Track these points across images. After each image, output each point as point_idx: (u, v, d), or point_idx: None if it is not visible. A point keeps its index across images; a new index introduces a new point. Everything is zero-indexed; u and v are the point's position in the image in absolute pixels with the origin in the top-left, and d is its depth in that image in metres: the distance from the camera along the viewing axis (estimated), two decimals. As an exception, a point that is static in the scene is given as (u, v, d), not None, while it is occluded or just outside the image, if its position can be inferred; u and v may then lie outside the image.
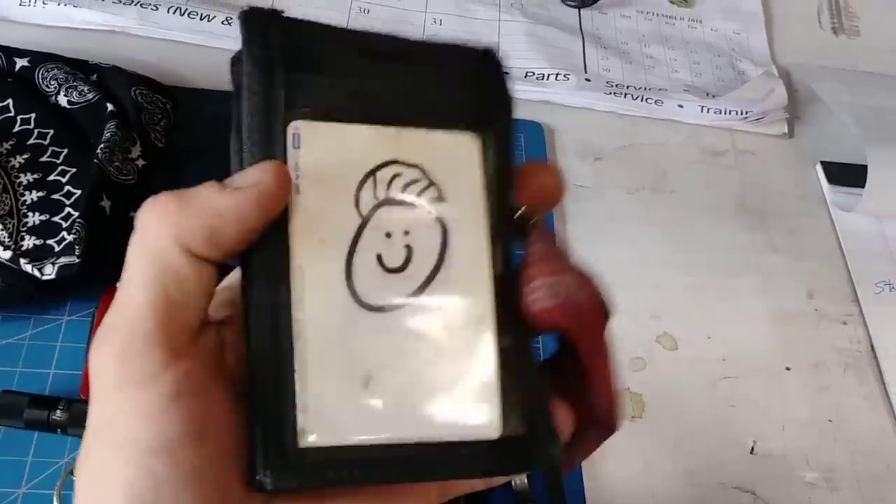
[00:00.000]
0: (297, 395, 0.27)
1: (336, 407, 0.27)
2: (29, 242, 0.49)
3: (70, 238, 0.48)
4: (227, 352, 0.27)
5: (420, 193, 0.29)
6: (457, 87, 0.31)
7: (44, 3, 0.63)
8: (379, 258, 0.28)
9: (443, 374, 0.28)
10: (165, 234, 0.25)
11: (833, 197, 0.67)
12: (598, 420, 0.32)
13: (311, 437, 0.27)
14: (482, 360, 0.29)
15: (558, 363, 0.32)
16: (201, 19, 0.65)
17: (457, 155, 0.30)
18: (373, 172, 0.29)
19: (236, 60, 0.29)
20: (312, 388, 0.27)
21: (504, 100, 0.31)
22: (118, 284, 0.26)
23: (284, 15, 0.29)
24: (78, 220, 0.48)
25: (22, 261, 0.48)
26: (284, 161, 0.28)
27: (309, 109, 0.29)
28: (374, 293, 0.28)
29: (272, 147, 0.28)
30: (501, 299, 0.29)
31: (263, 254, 0.28)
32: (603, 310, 0.31)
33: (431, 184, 0.29)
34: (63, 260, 0.48)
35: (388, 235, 0.29)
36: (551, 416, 0.29)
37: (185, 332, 0.25)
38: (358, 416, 0.27)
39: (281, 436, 0.26)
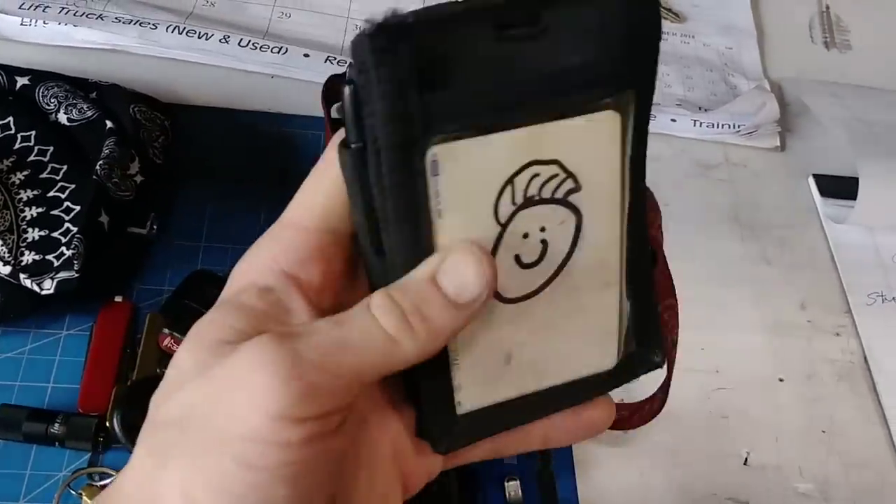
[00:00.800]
0: (452, 379, 0.30)
1: (483, 382, 0.31)
2: (28, 258, 0.50)
3: (69, 253, 0.49)
4: None
5: (556, 189, 0.29)
6: (595, 50, 0.28)
7: (44, 22, 0.64)
8: (517, 258, 0.30)
9: (573, 336, 0.32)
10: (409, 360, 0.27)
11: (825, 209, 0.68)
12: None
13: (464, 406, 0.31)
14: (607, 314, 0.32)
15: None
16: (199, 38, 0.66)
17: (596, 137, 0.29)
18: (510, 180, 0.28)
19: (349, 81, 0.26)
20: (464, 373, 0.30)
21: (649, 55, 0.29)
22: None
23: (411, 21, 0.25)
24: (77, 235, 0.49)
25: (21, 276, 0.48)
26: (425, 194, 0.27)
27: (443, 132, 0.27)
28: (512, 288, 0.30)
29: (411, 185, 0.27)
30: (629, 260, 0.31)
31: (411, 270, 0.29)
32: None
33: (568, 175, 0.29)
34: (62, 275, 0.48)
35: (526, 236, 0.29)
36: (658, 329, 0.33)
37: (349, 402, 0.26)
38: (501, 384, 0.31)
39: (444, 412, 0.31)
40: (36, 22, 0.64)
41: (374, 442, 0.30)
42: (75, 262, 0.48)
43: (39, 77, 0.57)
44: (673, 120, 0.69)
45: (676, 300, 0.44)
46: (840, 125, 0.69)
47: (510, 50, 0.27)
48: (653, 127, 0.68)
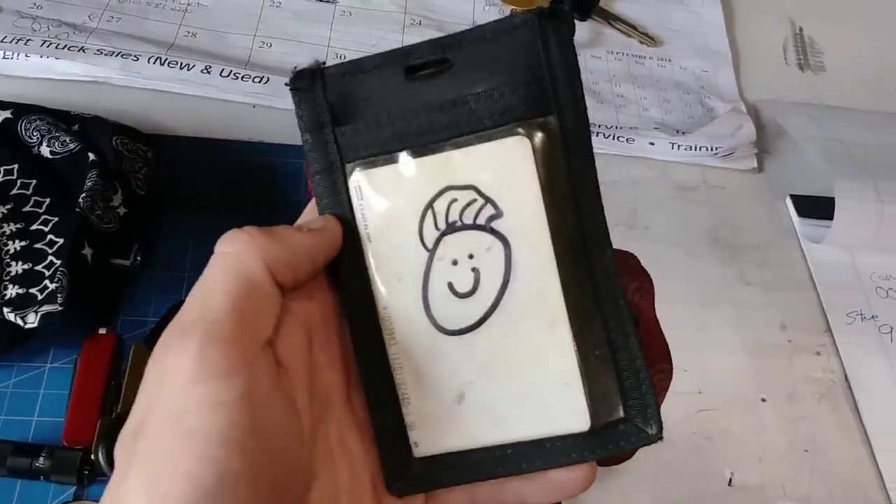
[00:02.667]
0: (405, 416, 0.31)
1: (437, 422, 0.31)
2: (12, 291, 0.50)
3: (53, 286, 0.49)
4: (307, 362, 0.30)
5: (476, 215, 0.30)
6: (504, 80, 0.30)
7: (26, 55, 0.64)
8: (450, 286, 0.31)
9: (527, 379, 0.30)
10: (254, 256, 0.28)
11: (803, 229, 0.68)
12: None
13: (422, 448, 0.31)
14: (561, 359, 0.30)
15: None
16: (181, 68, 0.66)
17: (508, 162, 0.30)
18: (430, 205, 0.30)
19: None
20: (415, 409, 0.31)
21: (567, 82, 0.29)
22: (192, 292, 0.28)
23: (326, 67, 0.31)
24: (60, 268, 0.49)
25: (5, 310, 0.49)
26: (353, 215, 0.31)
27: (362, 159, 0.31)
28: (451, 319, 0.31)
29: (341, 205, 0.31)
30: (575, 296, 0.30)
31: (354, 302, 0.31)
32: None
33: (487, 201, 0.30)
34: (46, 308, 0.49)
35: (455, 263, 0.31)
36: (649, 394, 0.30)
37: (257, 342, 0.27)
38: (456, 427, 0.31)
39: (400, 452, 0.31)
40: (18, 55, 0.64)
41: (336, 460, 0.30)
42: (59, 295, 0.48)
43: (21, 110, 0.57)
44: (651, 143, 0.70)
45: (671, 365, 0.43)
46: (816, 146, 0.70)
47: (419, 87, 0.30)
48: (632, 150, 0.70)
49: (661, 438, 0.30)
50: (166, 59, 0.66)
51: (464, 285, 0.30)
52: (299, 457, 0.28)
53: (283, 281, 0.29)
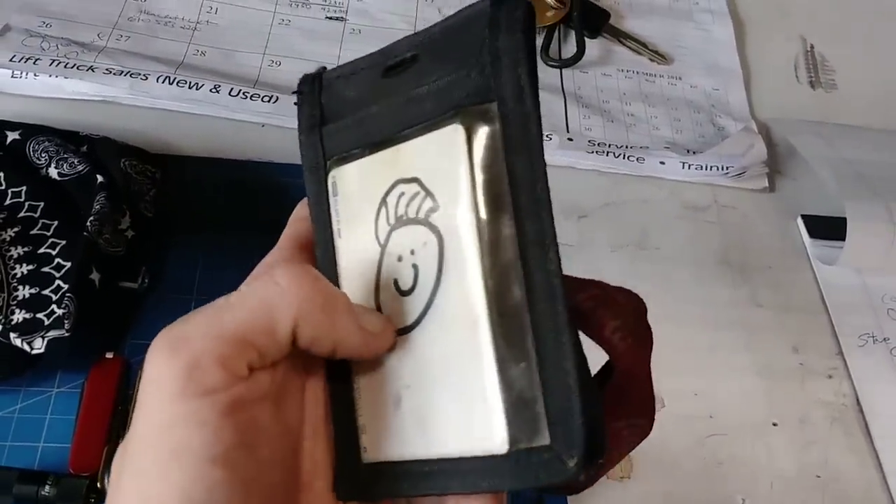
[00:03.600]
0: (357, 418, 0.30)
1: (380, 427, 0.30)
2: (19, 316, 0.50)
3: (60, 312, 0.49)
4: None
5: (418, 208, 0.29)
6: (452, 69, 0.29)
7: (35, 75, 0.64)
8: (395, 283, 0.30)
9: (451, 389, 0.28)
10: (292, 307, 0.27)
11: (814, 250, 0.68)
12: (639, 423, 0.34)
13: (369, 453, 0.30)
14: (481, 370, 0.27)
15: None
16: (189, 87, 0.66)
17: (444, 152, 0.28)
18: (384, 199, 0.30)
19: None
20: (364, 412, 0.30)
21: (512, 69, 0.27)
22: (218, 301, 0.28)
23: (326, 70, 0.33)
24: (67, 294, 0.49)
25: (12, 335, 0.48)
26: (328, 212, 0.32)
27: (338, 156, 0.32)
28: (396, 317, 0.30)
29: (321, 202, 0.32)
30: (499, 300, 0.27)
31: None
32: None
33: (427, 193, 0.29)
34: (52, 333, 0.48)
35: (400, 259, 0.30)
36: (577, 421, 0.25)
37: (248, 367, 0.27)
38: (395, 434, 0.30)
39: (351, 454, 0.30)
40: (27, 74, 0.64)
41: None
42: (66, 321, 0.48)
43: (30, 131, 0.57)
44: (662, 163, 0.70)
45: (650, 422, 0.38)
46: (827, 166, 0.70)
47: (391, 84, 0.31)
48: (642, 170, 0.69)
49: (580, 477, 0.25)
50: (175, 79, 0.66)
51: (406, 282, 0.30)
52: (289, 466, 0.29)
53: (303, 343, 0.28)
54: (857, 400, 0.61)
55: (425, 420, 0.29)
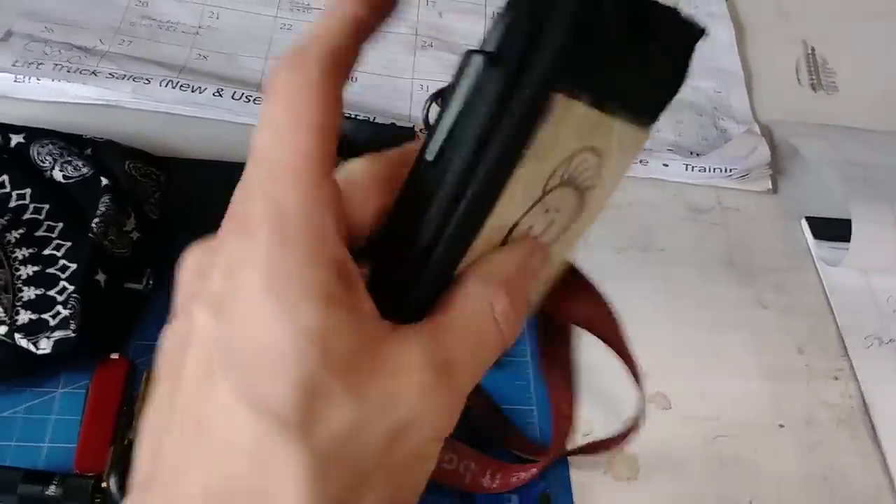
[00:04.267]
0: None
1: None
2: (24, 317, 0.49)
3: (65, 312, 0.49)
4: None
5: (586, 180, 0.30)
6: (663, 75, 0.30)
7: (38, 79, 0.64)
8: (529, 230, 0.30)
9: None
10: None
11: (819, 252, 0.68)
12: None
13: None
14: None
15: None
16: (193, 91, 0.66)
17: (628, 147, 0.30)
18: (571, 156, 0.29)
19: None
20: None
21: (674, 88, 0.31)
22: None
23: None
24: (73, 294, 0.49)
25: (17, 335, 0.48)
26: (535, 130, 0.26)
27: (571, 85, 0.26)
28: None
29: (532, 123, 0.26)
30: None
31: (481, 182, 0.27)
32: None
33: (599, 170, 0.30)
34: (58, 334, 0.48)
35: (547, 212, 0.30)
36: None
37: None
38: None
39: None
40: (29, 79, 0.64)
41: None
42: (72, 322, 0.48)
43: (34, 134, 0.57)
44: (665, 165, 0.70)
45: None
46: (830, 168, 0.70)
47: (634, 42, 0.27)
48: (646, 172, 0.69)
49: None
50: (178, 82, 0.66)
51: (537, 230, 0.30)
52: None
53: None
54: (864, 401, 0.60)
55: None
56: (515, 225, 0.29)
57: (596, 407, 0.55)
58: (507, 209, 0.28)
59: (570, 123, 0.27)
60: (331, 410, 0.22)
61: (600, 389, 0.54)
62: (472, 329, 0.26)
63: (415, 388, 0.24)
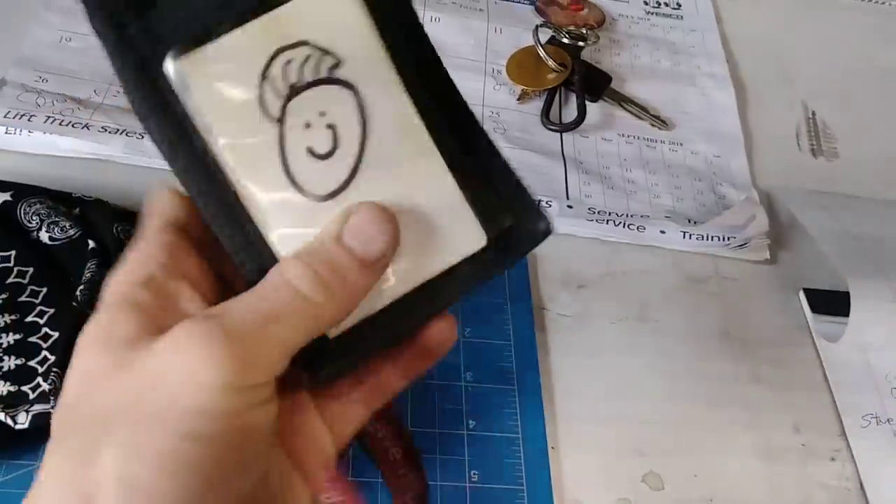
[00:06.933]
0: None
1: None
2: (3, 389, 0.48)
3: (45, 386, 0.47)
4: None
5: (316, 69, 0.29)
6: None
7: (29, 131, 0.63)
8: (310, 150, 0.29)
9: (413, 218, 0.30)
10: (332, 321, 0.29)
11: (816, 326, 0.67)
12: None
13: (336, 327, 0.30)
14: (441, 187, 0.30)
15: None
16: (186, 147, 0.65)
17: (337, 8, 0.29)
18: (264, 73, 0.28)
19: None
20: None
21: None
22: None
23: None
24: (54, 368, 0.47)
25: (-6, 408, 0.47)
26: (182, 111, 0.28)
27: (179, 45, 0.27)
28: (321, 184, 0.29)
29: (163, 105, 0.28)
30: (435, 121, 0.30)
31: (217, 208, 0.29)
32: None
33: (324, 52, 0.29)
34: (37, 408, 0.47)
35: (308, 125, 0.29)
36: (528, 194, 0.31)
37: (276, 374, 0.28)
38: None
39: (315, 342, 0.29)
40: (20, 131, 0.63)
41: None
42: (52, 397, 0.47)
43: (21, 193, 0.56)
44: (662, 232, 0.69)
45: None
46: (829, 240, 0.69)
47: None
48: (643, 238, 0.68)
49: (550, 232, 0.32)
50: (172, 138, 0.65)
51: (324, 145, 0.29)
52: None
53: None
54: (861, 484, 0.59)
55: (394, 262, 0.30)
56: (286, 166, 0.29)
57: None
58: (249, 174, 0.29)
59: (210, 68, 0.28)
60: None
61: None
62: (263, 297, 0.28)
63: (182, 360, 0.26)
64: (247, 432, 0.26)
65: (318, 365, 0.30)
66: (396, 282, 0.30)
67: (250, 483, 0.28)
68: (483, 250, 0.31)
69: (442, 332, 0.32)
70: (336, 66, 0.29)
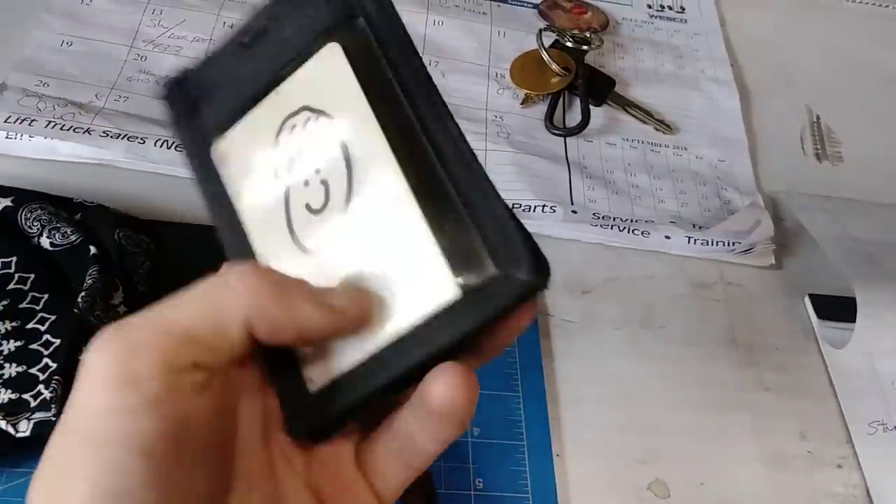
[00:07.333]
0: (296, 352, 0.31)
1: (326, 348, 0.30)
2: (4, 396, 0.48)
3: (47, 394, 0.47)
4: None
5: (313, 129, 0.31)
6: (313, 9, 0.32)
7: (30, 136, 0.63)
8: (307, 206, 0.31)
9: (388, 269, 0.30)
10: (242, 306, 0.27)
11: (822, 332, 0.66)
12: None
13: (316, 381, 0.30)
14: (414, 235, 0.30)
15: None
16: (188, 152, 0.65)
17: (326, 71, 0.32)
18: (276, 141, 0.32)
19: None
20: None
21: None
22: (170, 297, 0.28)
23: (187, 68, 0.34)
24: (55, 376, 0.47)
25: (-5, 416, 0.46)
26: (221, 185, 0.33)
27: (218, 132, 0.33)
28: (312, 239, 0.31)
29: (212, 180, 0.33)
30: (414, 168, 0.30)
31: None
32: None
33: (319, 113, 0.31)
34: (39, 416, 0.47)
35: (307, 183, 0.31)
36: (518, 241, 0.28)
37: (184, 360, 0.27)
38: (339, 345, 0.30)
39: (296, 393, 0.31)
40: (21, 136, 0.63)
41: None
42: (53, 405, 0.46)
43: (23, 198, 0.56)
44: (667, 237, 0.69)
45: None
46: (835, 246, 0.69)
47: (252, 53, 0.33)
48: (647, 244, 0.68)
49: (541, 286, 0.28)
50: (173, 143, 0.65)
51: (317, 200, 0.31)
52: (220, 465, 0.28)
53: (262, 337, 0.28)
54: (867, 491, 0.59)
55: (370, 315, 0.30)
56: (289, 223, 0.32)
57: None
58: (262, 231, 0.32)
59: (237, 144, 0.33)
60: None
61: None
62: (201, 298, 0.28)
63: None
64: (162, 433, 0.25)
65: (298, 418, 0.31)
66: (370, 336, 0.30)
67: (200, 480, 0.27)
68: (457, 304, 0.29)
69: (444, 391, 0.29)
70: (328, 124, 0.31)
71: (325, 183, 0.31)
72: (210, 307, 0.27)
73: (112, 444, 0.24)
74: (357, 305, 0.29)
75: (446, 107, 0.30)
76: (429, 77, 0.30)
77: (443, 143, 0.30)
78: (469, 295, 0.29)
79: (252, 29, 0.33)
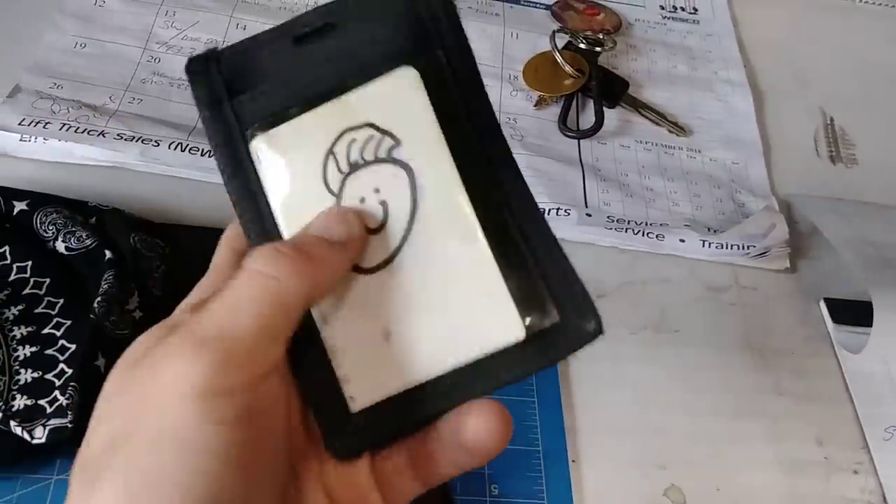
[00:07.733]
0: (336, 370, 0.30)
1: (369, 369, 0.30)
2: (20, 402, 0.48)
3: (63, 400, 0.47)
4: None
5: (377, 149, 0.31)
6: (385, 25, 0.32)
7: (44, 139, 0.63)
8: (362, 202, 0.31)
9: (451, 301, 0.30)
10: (298, 289, 0.28)
11: (838, 336, 0.66)
12: None
13: (358, 401, 0.30)
14: (482, 272, 0.30)
15: None
16: (202, 155, 0.65)
17: (399, 94, 0.31)
18: (330, 150, 0.31)
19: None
20: (344, 361, 0.30)
21: (441, 14, 0.32)
22: (212, 306, 0.28)
23: (221, 49, 0.33)
24: (72, 383, 0.47)
25: (11, 422, 0.46)
26: (258, 180, 0.32)
27: (258, 124, 0.32)
28: (367, 256, 0.31)
29: (245, 172, 0.32)
30: (486, 208, 0.30)
31: None
32: None
33: (385, 134, 0.31)
34: (54, 422, 0.46)
35: (363, 200, 0.31)
36: (581, 293, 0.30)
37: (270, 363, 0.28)
38: (389, 368, 0.30)
39: (335, 410, 0.30)
40: (36, 139, 0.63)
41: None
42: (69, 411, 0.46)
43: (38, 202, 0.56)
44: (682, 240, 0.68)
45: None
46: (850, 249, 0.68)
47: (309, 50, 0.32)
48: (661, 247, 0.67)
49: (600, 333, 0.30)
50: (187, 145, 0.65)
51: (374, 220, 0.31)
52: (281, 470, 0.29)
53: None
54: (884, 498, 0.58)
55: (424, 341, 0.30)
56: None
57: None
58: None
59: (285, 145, 0.32)
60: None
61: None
62: (232, 289, 0.28)
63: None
64: (248, 442, 0.26)
65: (337, 436, 0.31)
66: (421, 363, 0.30)
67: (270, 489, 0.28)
68: (520, 345, 0.30)
69: (481, 428, 0.30)
70: (395, 146, 0.31)
71: (384, 204, 0.31)
72: (274, 304, 0.28)
73: (209, 454, 0.25)
74: (357, 228, 0.31)
75: (510, 149, 0.31)
76: (496, 119, 0.31)
77: (510, 186, 0.31)
78: (533, 338, 0.30)
79: (308, 25, 0.32)
